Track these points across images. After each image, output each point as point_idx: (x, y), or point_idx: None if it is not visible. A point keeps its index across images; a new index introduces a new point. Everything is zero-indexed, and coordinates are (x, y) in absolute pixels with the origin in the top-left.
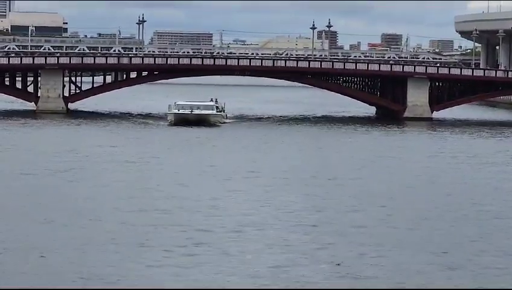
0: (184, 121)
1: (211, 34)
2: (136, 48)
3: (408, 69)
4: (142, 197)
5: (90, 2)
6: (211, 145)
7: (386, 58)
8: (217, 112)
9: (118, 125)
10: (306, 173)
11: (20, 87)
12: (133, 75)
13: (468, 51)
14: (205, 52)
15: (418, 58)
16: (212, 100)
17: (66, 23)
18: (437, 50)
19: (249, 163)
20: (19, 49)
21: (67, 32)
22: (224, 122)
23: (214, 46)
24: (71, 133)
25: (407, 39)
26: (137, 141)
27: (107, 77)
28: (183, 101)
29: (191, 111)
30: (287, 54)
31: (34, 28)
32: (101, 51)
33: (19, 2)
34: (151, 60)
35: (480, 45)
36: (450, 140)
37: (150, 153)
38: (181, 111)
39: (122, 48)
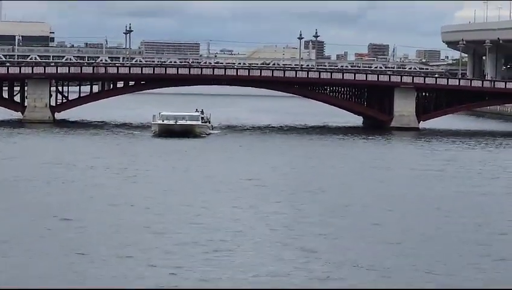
0: (168, 132)
1: (198, 43)
2: (124, 58)
3: (395, 79)
4: (121, 209)
5: (78, 11)
6: (192, 157)
7: (373, 68)
8: (203, 122)
9: (103, 136)
10: (288, 183)
11: (6, 96)
12: (120, 84)
13: (455, 61)
14: (192, 62)
15: (405, 68)
16: (197, 111)
17: (53, 32)
18: (424, 60)
19: (230, 174)
20: (6, 58)
21: (54, 41)
22: (209, 133)
23: (201, 55)
24: (57, 143)
25: (394, 49)
26: (119, 152)
27: (93, 86)
28: (167, 112)
29: (176, 122)
30: (274, 64)
31: (20, 38)
32: (88, 60)
33: (7, 11)
34: (138, 70)
35: (466, 55)
36: (437, 150)
37: (131, 165)
38: (165, 122)
39: (109, 57)
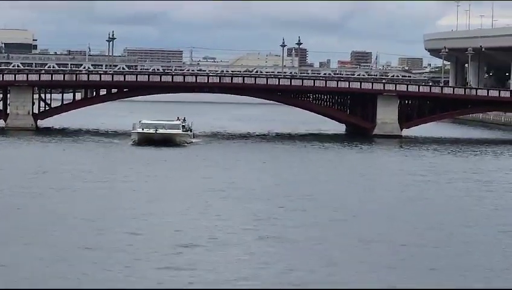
0: (148, 140)
1: (181, 51)
2: (106, 65)
3: (377, 86)
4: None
5: (61, 19)
6: (167, 167)
7: (355, 75)
8: (184, 131)
9: (84, 144)
10: (268, 192)
11: None
12: (103, 92)
13: (437, 68)
14: (175, 69)
15: (388, 75)
16: (179, 119)
17: (36, 40)
18: (406, 68)
19: (205, 184)
20: None
21: (36, 49)
22: (191, 142)
23: (184, 63)
24: (38, 151)
25: (376, 57)
26: (94, 162)
27: (76, 94)
28: (147, 120)
29: (156, 130)
30: (257, 71)
31: (3, 45)
32: (71, 67)
33: None
34: (121, 77)
35: (449, 63)
36: (419, 158)
37: (102, 175)
38: (145, 130)
39: (92, 64)
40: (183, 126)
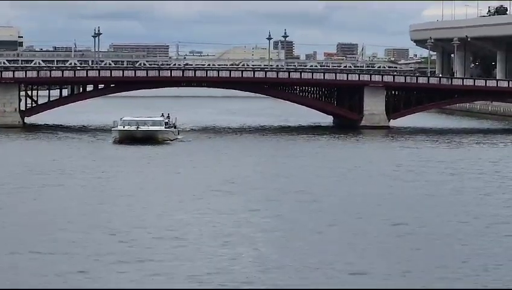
0: (129, 138)
1: (167, 45)
2: (93, 61)
3: (364, 78)
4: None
5: (47, 15)
6: (144, 166)
7: (342, 67)
8: (167, 127)
9: (67, 141)
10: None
11: None
12: (90, 88)
13: (424, 59)
14: (161, 64)
15: (374, 67)
16: (163, 115)
17: (22, 36)
18: (392, 59)
19: (182, 182)
20: None
21: (22, 45)
22: (175, 139)
23: (170, 58)
24: (25, 148)
25: (362, 48)
26: (69, 161)
27: (63, 90)
28: (129, 117)
29: (137, 127)
30: (243, 65)
31: None
32: (57, 64)
33: None
34: (107, 73)
35: (435, 53)
36: (407, 148)
37: (76, 174)
38: (126, 128)
39: (78, 60)
40: (166, 123)
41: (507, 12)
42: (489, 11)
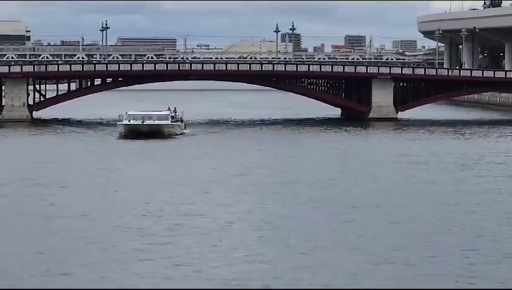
0: (135, 133)
1: (175, 39)
2: (100, 55)
3: (372, 70)
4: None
5: (53, 9)
6: (145, 161)
7: (350, 59)
8: (173, 121)
9: (74, 136)
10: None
11: None
12: (98, 82)
13: (431, 50)
14: (169, 58)
15: (382, 59)
16: (169, 109)
17: (29, 31)
18: (400, 50)
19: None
20: None
21: (30, 40)
22: (182, 133)
23: (177, 51)
24: (29, 143)
25: (370, 40)
26: (73, 156)
27: (71, 84)
28: (134, 111)
29: (143, 122)
30: (251, 58)
31: None
32: (65, 58)
33: None
34: (115, 67)
35: (443, 45)
36: (415, 140)
37: (75, 171)
38: (132, 122)
39: (85, 54)
40: (173, 117)
41: (501, 4)
42: (484, 3)
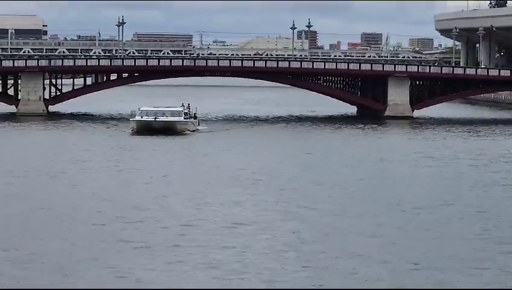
0: (148, 129)
1: (191, 35)
2: (117, 50)
3: (388, 68)
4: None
5: (69, 3)
6: (151, 158)
7: (366, 57)
8: (186, 118)
9: (87, 131)
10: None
11: (0, 90)
12: (114, 77)
13: (448, 49)
14: (185, 53)
15: (398, 57)
16: (183, 105)
17: (46, 25)
18: (417, 49)
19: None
20: None
21: (47, 34)
22: (195, 130)
23: (193, 47)
24: (48, 136)
25: (387, 38)
26: (82, 152)
27: (87, 79)
28: (147, 107)
29: (155, 118)
30: (267, 55)
31: (13, 31)
32: (81, 53)
33: None
34: (131, 62)
35: (460, 43)
36: (431, 139)
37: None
38: (144, 118)
39: (102, 50)
40: (186, 113)
41: (506, 4)
42: (490, 3)
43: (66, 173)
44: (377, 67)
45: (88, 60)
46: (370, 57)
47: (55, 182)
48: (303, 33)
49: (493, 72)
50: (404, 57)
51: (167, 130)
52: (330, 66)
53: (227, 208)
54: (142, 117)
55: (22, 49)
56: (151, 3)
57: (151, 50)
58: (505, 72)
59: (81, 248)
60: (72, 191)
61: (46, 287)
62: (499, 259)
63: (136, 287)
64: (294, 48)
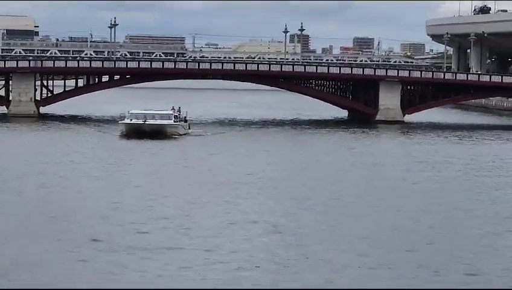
0: (137, 132)
1: (184, 37)
2: (109, 52)
3: (380, 72)
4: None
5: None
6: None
7: (358, 61)
8: (176, 121)
9: (76, 133)
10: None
11: None
12: (105, 79)
13: (440, 54)
14: (177, 56)
15: (390, 61)
16: (173, 108)
17: (38, 26)
18: (409, 53)
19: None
20: None
21: (38, 35)
22: (185, 134)
23: (186, 49)
24: (38, 138)
25: (378, 43)
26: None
27: (78, 80)
28: (137, 110)
29: (145, 121)
30: (259, 58)
31: (5, 31)
32: (73, 54)
33: None
34: (123, 64)
35: (451, 49)
36: (422, 143)
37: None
38: (133, 121)
39: (93, 51)
40: (176, 116)
41: (490, 11)
42: (474, 9)
43: (55, 175)
44: (369, 71)
45: (80, 62)
46: (362, 61)
47: (44, 183)
48: (295, 37)
49: (484, 78)
50: (395, 61)
51: (156, 133)
52: (322, 70)
53: (215, 210)
54: (131, 120)
55: (13, 50)
56: (143, 4)
57: (143, 52)
58: (496, 78)
59: (69, 250)
60: (61, 192)
61: (46, 287)
62: (491, 260)
63: (136, 287)
64: (287, 52)
